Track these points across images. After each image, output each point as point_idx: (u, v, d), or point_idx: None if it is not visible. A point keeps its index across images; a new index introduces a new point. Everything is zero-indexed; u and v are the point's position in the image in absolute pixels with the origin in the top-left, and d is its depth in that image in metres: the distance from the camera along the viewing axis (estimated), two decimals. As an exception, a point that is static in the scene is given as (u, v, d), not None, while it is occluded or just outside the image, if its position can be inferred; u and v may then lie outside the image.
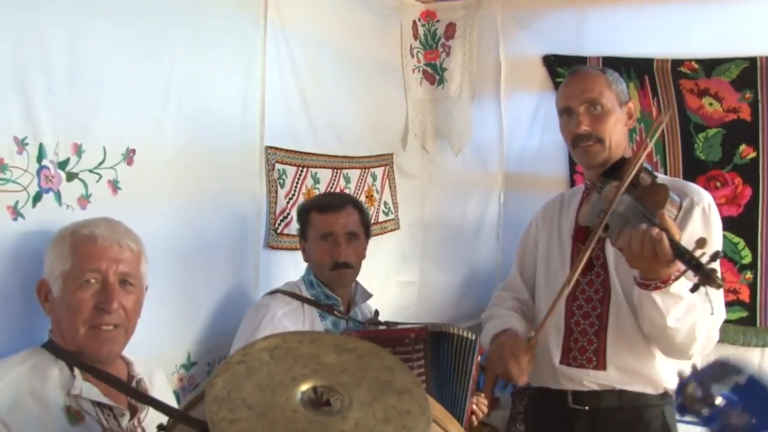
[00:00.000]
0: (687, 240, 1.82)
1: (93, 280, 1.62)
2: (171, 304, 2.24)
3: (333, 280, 2.38)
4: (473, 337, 2.19)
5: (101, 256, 1.63)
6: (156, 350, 2.11)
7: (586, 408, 2.16)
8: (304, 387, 1.10)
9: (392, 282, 3.60)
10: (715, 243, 2.04)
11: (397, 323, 2.36)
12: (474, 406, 2.22)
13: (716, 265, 1.66)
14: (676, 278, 1.85)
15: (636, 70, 3.35)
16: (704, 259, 1.66)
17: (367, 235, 2.50)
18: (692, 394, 1.16)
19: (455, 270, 3.91)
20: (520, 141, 3.77)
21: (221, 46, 2.43)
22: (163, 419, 1.27)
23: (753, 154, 3.03)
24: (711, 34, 3.07)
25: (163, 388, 1.86)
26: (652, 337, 2.04)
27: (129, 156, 2.03)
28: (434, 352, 2.14)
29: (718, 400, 1.14)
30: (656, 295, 1.87)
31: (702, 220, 2.06)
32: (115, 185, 1.99)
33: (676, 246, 1.74)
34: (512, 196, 3.84)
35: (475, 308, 3.98)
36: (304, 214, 2.47)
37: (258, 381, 1.11)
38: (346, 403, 1.08)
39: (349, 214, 2.41)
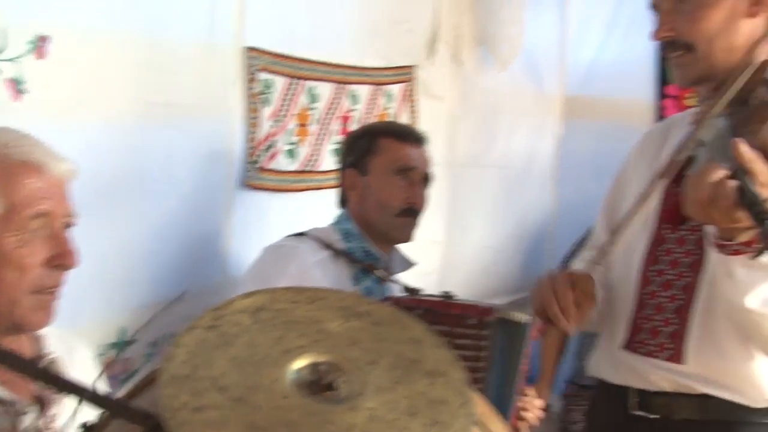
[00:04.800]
0: None
1: (38, 227, 1.49)
2: (98, 258, 2.05)
3: (395, 229, 2.37)
4: (525, 320, 2.10)
5: (49, 193, 1.51)
6: (75, 323, 1.98)
7: (654, 417, 1.96)
8: (300, 364, 1.04)
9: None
10: None
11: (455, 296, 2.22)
12: (524, 411, 2.17)
13: None
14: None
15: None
16: None
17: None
18: None
19: (494, 226, 3.84)
20: (590, 52, 3.65)
21: None
22: (89, 415, 1.10)
23: None
24: None
25: (88, 371, 1.67)
26: (732, 323, 1.86)
27: (39, 45, 1.89)
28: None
29: None
30: (734, 263, 1.69)
31: None
32: (17, 86, 1.86)
33: (745, 189, 1.49)
34: (575, 126, 3.75)
35: (521, 277, 3.94)
36: (371, 138, 2.43)
37: (235, 354, 1.05)
38: (357, 388, 1.02)
39: (425, 153, 2.41)
